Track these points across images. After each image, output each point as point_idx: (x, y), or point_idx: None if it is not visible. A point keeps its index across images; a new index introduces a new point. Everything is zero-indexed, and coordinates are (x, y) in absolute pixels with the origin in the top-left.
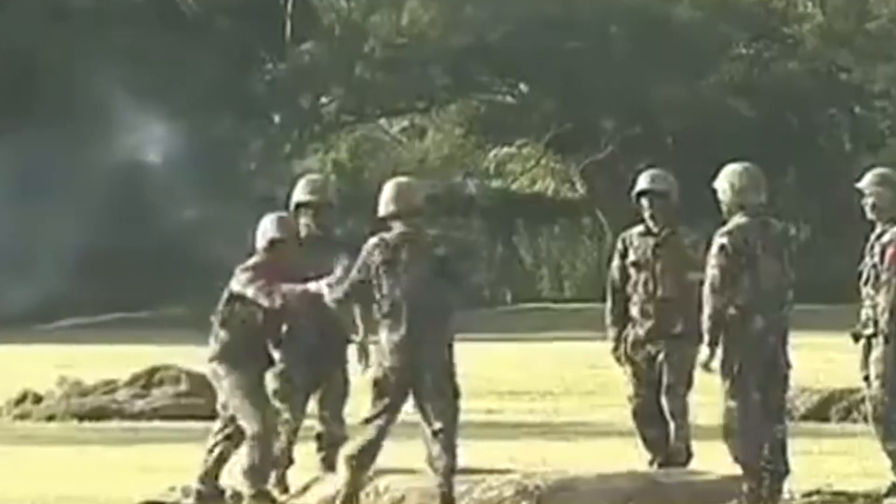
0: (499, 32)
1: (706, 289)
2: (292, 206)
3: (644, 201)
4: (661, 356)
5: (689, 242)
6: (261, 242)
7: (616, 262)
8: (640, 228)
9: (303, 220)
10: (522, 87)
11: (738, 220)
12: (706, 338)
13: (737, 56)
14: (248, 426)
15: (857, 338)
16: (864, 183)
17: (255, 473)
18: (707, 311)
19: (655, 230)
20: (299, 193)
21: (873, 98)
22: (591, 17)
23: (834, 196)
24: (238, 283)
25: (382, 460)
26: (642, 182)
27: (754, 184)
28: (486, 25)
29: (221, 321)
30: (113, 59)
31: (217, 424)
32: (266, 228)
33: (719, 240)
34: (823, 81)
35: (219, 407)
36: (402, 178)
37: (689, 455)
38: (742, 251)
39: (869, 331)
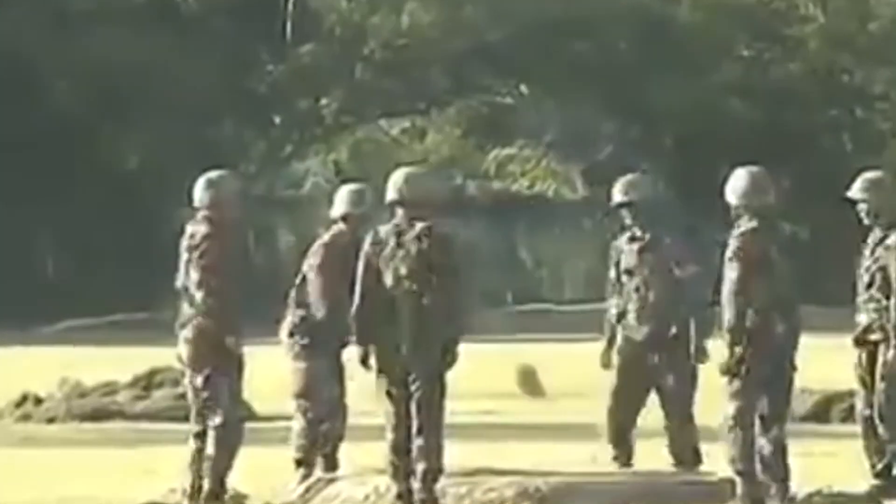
0: (499, 34)
1: (726, 293)
2: (335, 215)
3: (624, 212)
4: (662, 360)
5: (669, 241)
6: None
7: (612, 271)
8: (627, 235)
9: (341, 228)
10: (523, 88)
11: (748, 223)
12: (728, 340)
13: (737, 57)
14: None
15: (859, 343)
16: (857, 190)
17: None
18: (728, 314)
19: (639, 234)
20: (346, 205)
21: (874, 100)
22: (591, 18)
23: (834, 198)
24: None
25: (381, 460)
26: (616, 195)
27: (758, 187)
28: (486, 27)
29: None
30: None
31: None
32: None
33: (734, 243)
34: (824, 83)
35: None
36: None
37: (698, 457)
38: (757, 255)
39: (876, 336)
